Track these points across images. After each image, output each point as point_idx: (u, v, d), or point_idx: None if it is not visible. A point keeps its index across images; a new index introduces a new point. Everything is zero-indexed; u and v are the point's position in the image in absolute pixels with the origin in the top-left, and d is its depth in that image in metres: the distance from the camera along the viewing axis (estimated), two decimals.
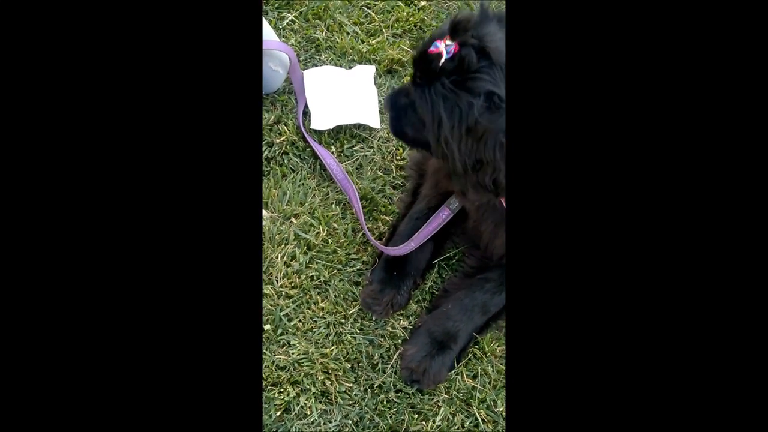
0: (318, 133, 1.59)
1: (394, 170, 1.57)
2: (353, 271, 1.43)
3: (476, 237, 1.37)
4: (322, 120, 1.58)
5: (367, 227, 1.44)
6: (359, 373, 1.32)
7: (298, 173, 1.54)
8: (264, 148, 1.55)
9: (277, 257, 1.41)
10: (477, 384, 1.31)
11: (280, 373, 1.29)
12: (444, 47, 1.02)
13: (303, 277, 1.40)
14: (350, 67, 1.70)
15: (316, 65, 1.70)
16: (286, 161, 1.55)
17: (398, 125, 1.24)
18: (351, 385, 1.30)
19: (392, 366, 1.32)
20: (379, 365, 1.33)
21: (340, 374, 1.31)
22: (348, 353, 1.33)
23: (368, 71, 1.67)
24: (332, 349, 1.33)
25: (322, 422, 1.26)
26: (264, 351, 1.31)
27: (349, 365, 1.32)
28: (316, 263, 1.42)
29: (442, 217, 1.35)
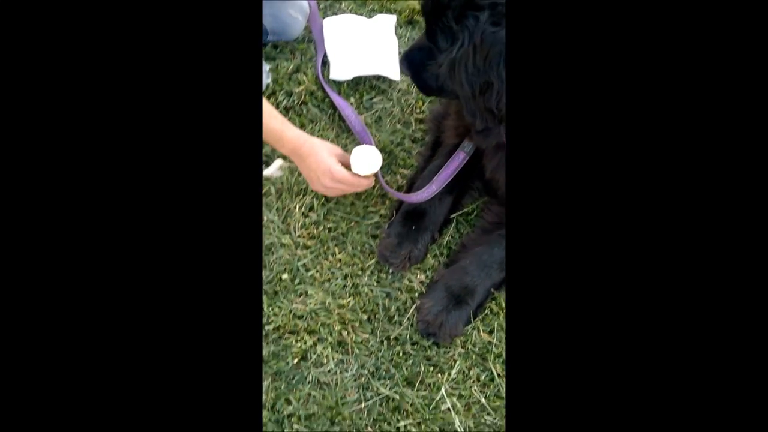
0: (337, 84, 1.56)
1: (413, 123, 1.54)
2: (371, 223, 1.42)
3: (495, 185, 1.36)
4: (341, 70, 1.55)
5: (385, 180, 1.43)
6: (376, 324, 1.32)
7: (316, 124, 1.51)
8: (283, 97, 1.52)
9: (295, 207, 1.40)
10: (493, 339, 1.31)
11: (298, 321, 1.30)
12: None
13: (321, 228, 1.39)
14: (370, 17, 1.66)
15: (335, 14, 1.66)
16: (305, 111, 1.52)
17: (419, 81, 1.26)
18: (367, 336, 1.30)
19: (408, 319, 1.33)
20: (396, 318, 1.33)
21: (357, 325, 1.31)
22: (365, 305, 1.33)
23: (389, 21, 1.63)
24: (349, 300, 1.33)
25: (338, 371, 1.27)
26: (282, 299, 1.31)
27: (366, 317, 1.32)
28: (334, 215, 1.41)
29: (458, 160, 1.34)
